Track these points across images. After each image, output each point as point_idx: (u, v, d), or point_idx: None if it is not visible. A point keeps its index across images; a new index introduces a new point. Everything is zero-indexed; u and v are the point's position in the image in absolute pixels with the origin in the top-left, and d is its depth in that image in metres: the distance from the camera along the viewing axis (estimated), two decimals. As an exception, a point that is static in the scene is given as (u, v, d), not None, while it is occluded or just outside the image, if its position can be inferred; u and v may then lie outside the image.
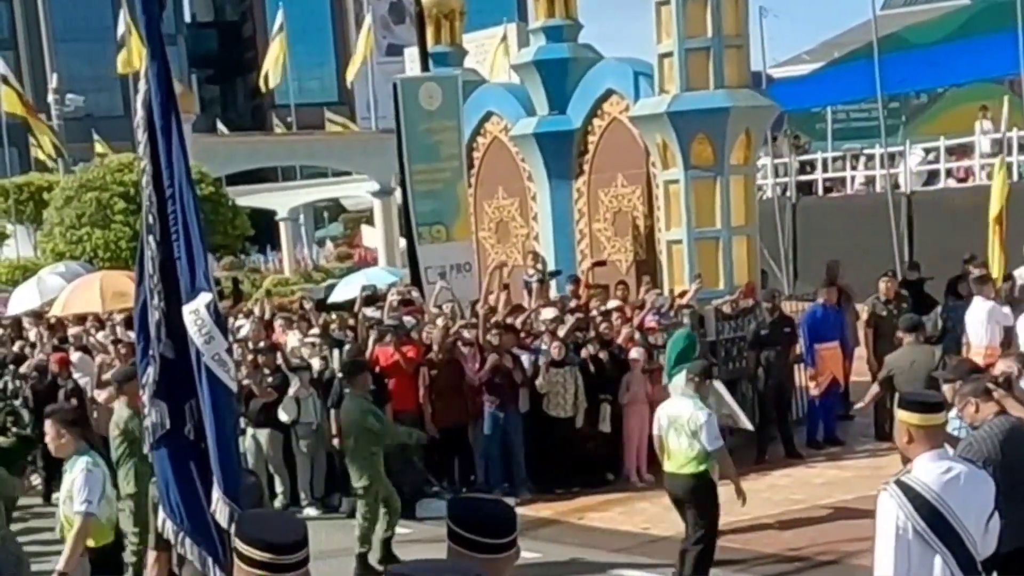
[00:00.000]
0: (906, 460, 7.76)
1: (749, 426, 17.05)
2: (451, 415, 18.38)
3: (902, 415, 7.54)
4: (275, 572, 5.11)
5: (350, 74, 61.72)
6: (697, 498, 13.15)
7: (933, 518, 7.29)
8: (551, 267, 23.08)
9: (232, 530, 6.44)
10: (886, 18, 48.38)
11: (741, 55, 20.75)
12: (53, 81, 57.60)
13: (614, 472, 18.65)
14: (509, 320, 19.31)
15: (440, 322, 18.97)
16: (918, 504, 7.29)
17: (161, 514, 8.06)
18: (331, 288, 30.52)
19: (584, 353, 18.53)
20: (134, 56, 42.50)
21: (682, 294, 20.04)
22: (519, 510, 15.69)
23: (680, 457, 12.99)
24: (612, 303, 20.08)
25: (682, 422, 12.92)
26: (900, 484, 7.39)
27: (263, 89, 64.32)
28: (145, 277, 7.94)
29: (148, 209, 7.88)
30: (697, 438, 12.79)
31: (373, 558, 15.24)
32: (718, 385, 16.17)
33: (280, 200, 65.92)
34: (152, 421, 7.92)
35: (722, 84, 20.33)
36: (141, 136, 7.89)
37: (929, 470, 7.38)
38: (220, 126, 73.50)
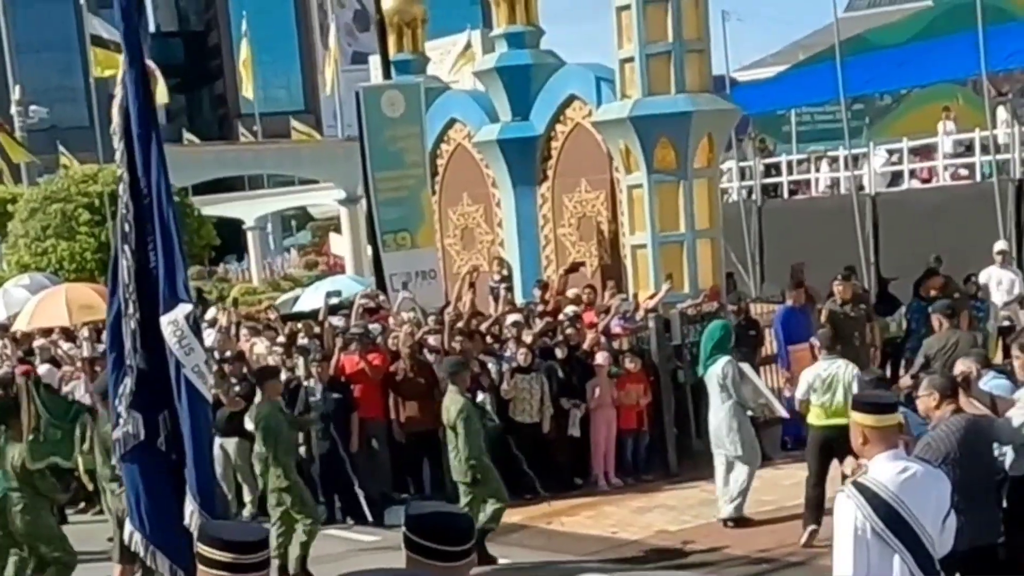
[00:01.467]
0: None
1: (785, 414, 17.31)
2: (420, 421, 18.40)
3: (856, 417, 7.60)
4: (235, 572, 5.12)
5: (326, 85, 61.72)
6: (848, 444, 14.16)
7: (891, 518, 7.33)
8: (516, 273, 23.07)
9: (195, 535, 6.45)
10: (850, 20, 48.62)
11: (702, 59, 20.83)
12: (16, 93, 57.30)
13: (582, 477, 18.68)
14: (472, 324, 19.35)
15: (406, 328, 18.99)
16: (876, 504, 7.34)
17: (128, 526, 8.03)
18: (295, 300, 30.51)
19: (558, 354, 18.58)
20: (99, 65, 42.31)
21: (652, 296, 20.09)
22: (487, 515, 15.85)
23: (837, 409, 14.19)
24: (570, 309, 20.06)
25: (840, 377, 14.53)
26: (857, 485, 7.44)
27: (247, 96, 64.24)
28: (119, 286, 7.88)
29: (124, 217, 7.83)
30: (852, 388, 14.20)
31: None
32: (752, 375, 16.36)
33: (247, 209, 65.79)
34: (126, 431, 7.88)
35: (683, 88, 20.41)
36: (117, 143, 7.85)
37: (885, 470, 7.43)
38: (187, 135, 73.28)
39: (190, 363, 7.49)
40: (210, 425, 8.40)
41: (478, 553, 15.01)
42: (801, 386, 14.93)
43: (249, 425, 18.03)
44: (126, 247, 7.79)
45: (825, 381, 14.62)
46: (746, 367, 16.44)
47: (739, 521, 15.76)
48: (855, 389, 14.12)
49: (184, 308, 7.53)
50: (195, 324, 7.61)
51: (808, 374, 14.93)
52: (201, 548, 5.21)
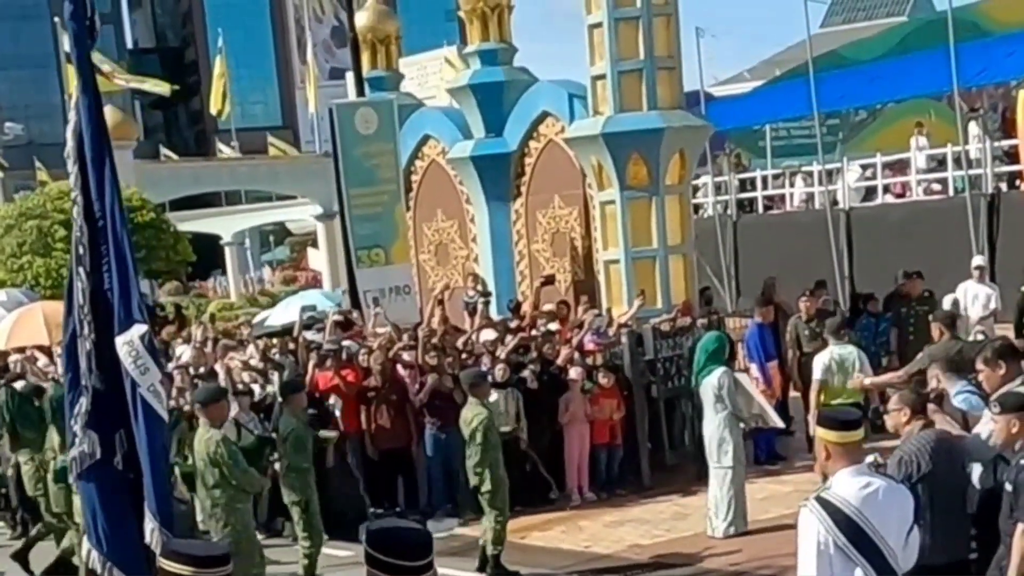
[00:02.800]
0: (826, 477, 7.87)
1: (780, 424, 17.54)
2: (394, 437, 18.44)
3: (820, 432, 7.65)
4: None
5: (308, 102, 61.74)
6: None
7: (853, 533, 7.38)
8: (491, 288, 23.07)
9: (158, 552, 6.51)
10: (825, 36, 48.87)
11: (674, 76, 20.86)
12: (-8, 109, 57.38)
13: (556, 491, 18.71)
14: (445, 340, 19.38)
15: (380, 341, 19.03)
16: (838, 519, 7.39)
17: (86, 544, 8.09)
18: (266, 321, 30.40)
19: (526, 373, 18.59)
20: (70, 83, 42.35)
21: (625, 312, 20.13)
22: (462, 530, 15.92)
23: (847, 392, 15.98)
24: (553, 326, 20.10)
25: (851, 361, 16.23)
26: (820, 500, 7.49)
27: (220, 115, 64.23)
28: (75, 308, 7.98)
29: (79, 240, 7.93)
30: (858, 370, 16.07)
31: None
32: (747, 385, 16.45)
33: (225, 225, 65.75)
34: (82, 450, 7.95)
35: (655, 105, 20.42)
36: (72, 167, 7.94)
37: (848, 485, 7.48)
38: (164, 151, 73.22)
39: (145, 383, 7.59)
40: (166, 442, 8.47)
41: (499, 571, 15.12)
42: (817, 369, 16.33)
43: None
44: (80, 269, 7.89)
45: (839, 364, 16.17)
46: (741, 377, 16.55)
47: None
48: (860, 369, 16.05)
49: (139, 328, 7.63)
50: (150, 344, 7.70)
51: (824, 357, 16.36)
52: (163, 562, 5.26)
